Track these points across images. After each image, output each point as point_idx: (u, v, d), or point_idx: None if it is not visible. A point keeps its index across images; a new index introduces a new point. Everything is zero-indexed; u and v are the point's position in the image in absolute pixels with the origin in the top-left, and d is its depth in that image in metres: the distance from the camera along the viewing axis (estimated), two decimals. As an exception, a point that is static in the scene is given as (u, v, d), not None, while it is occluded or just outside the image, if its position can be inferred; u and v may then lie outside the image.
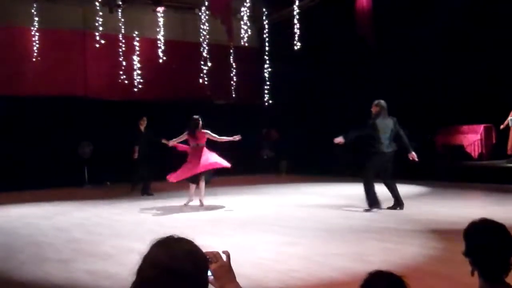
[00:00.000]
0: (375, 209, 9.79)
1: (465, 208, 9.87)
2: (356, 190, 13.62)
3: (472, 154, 16.10)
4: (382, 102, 10.09)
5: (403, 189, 12.97)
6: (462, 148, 16.31)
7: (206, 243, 6.99)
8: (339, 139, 10.05)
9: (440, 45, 16.12)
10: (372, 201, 9.89)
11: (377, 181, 9.94)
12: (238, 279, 1.91)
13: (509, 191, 11.83)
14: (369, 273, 2.10)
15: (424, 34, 16.06)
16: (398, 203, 9.95)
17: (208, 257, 1.84)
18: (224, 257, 1.93)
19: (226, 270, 1.90)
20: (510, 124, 14.18)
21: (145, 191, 13.88)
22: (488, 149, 16.05)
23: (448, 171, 15.11)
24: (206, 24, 19.31)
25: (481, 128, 16.01)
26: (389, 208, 9.89)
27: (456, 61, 16.01)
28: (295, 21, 18.40)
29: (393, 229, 8.04)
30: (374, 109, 10.08)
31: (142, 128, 14.06)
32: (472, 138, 16.22)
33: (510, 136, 14.32)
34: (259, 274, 5.67)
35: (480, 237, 2.52)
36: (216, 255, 1.91)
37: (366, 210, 9.82)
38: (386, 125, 9.92)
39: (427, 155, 16.91)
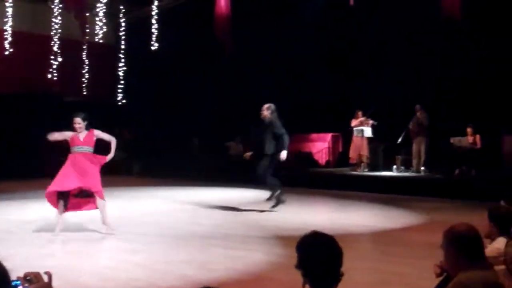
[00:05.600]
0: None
1: (311, 214, 10.26)
2: (208, 195, 13.64)
3: (320, 161, 16.88)
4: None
5: (251, 194, 13.19)
6: (310, 155, 17.04)
7: (44, 251, 6.41)
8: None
9: (296, 54, 16.70)
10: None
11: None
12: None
13: (351, 197, 12.51)
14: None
15: (282, 42, 16.59)
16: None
17: (27, 277, 1.87)
18: (45, 277, 1.89)
19: None
20: (356, 134, 14.94)
21: None
22: (335, 156, 16.92)
23: (295, 178, 15.64)
24: (59, 18, 18.32)
25: (329, 136, 16.85)
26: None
27: (310, 71, 16.71)
28: (153, 21, 18.10)
29: (239, 236, 8.07)
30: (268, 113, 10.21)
31: None
32: (320, 146, 17.02)
33: (352, 145, 15.14)
34: (98, 284, 5.41)
35: (310, 249, 2.56)
36: (36, 276, 1.87)
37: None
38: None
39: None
